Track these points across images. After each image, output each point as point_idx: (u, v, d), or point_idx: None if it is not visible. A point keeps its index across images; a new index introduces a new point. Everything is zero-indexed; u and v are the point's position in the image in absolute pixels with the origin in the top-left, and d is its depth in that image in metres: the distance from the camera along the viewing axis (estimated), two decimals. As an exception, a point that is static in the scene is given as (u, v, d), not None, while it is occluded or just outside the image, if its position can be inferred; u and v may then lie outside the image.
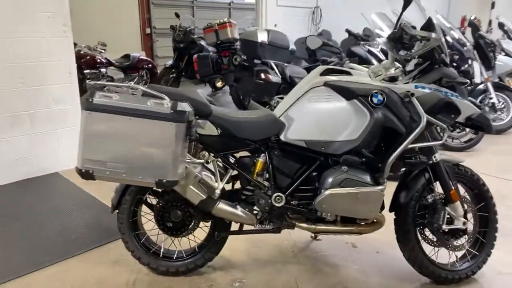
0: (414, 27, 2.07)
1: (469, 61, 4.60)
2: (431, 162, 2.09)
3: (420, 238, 2.22)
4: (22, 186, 3.53)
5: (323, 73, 2.09)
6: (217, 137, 2.07)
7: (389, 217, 2.21)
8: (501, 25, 6.05)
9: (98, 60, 6.35)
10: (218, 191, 2.06)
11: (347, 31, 5.12)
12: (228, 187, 2.26)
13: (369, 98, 1.96)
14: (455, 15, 9.21)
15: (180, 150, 1.84)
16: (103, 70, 6.43)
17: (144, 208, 2.29)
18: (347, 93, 2.00)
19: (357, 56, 4.18)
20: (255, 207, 2.15)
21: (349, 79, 2.05)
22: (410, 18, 2.31)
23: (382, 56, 4.31)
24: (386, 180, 2.01)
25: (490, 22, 8.32)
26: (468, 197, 2.29)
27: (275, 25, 6.83)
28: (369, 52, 4.25)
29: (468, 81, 1.93)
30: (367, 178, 2.00)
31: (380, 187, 1.98)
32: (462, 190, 2.25)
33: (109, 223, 2.75)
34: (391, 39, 2.03)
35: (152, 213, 2.23)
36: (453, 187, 2.13)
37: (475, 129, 2.25)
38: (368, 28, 5.42)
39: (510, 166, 4.20)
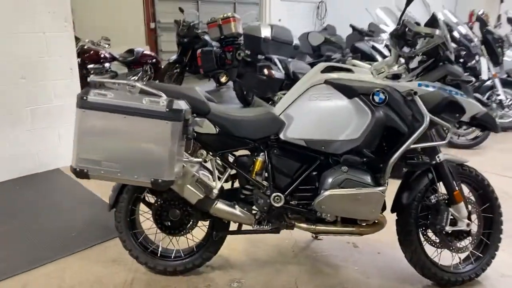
0: (418, 24, 2.01)
1: (476, 57, 4.51)
2: (434, 162, 2.04)
3: (422, 239, 2.18)
4: (23, 182, 3.52)
5: (324, 71, 2.04)
6: (216, 136, 2.04)
7: (392, 218, 2.17)
8: (510, 20, 5.93)
9: (102, 55, 6.32)
10: (215, 191, 2.03)
11: (351, 26, 5.04)
12: (228, 186, 2.22)
13: (371, 96, 1.91)
14: (463, 10, 9.07)
15: (176, 149, 1.80)
16: (107, 65, 6.40)
17: (143, 206, 2.26)
18: (348, 91, 1.95)
19: (361, 52, 4.11)
20: (254, 207, 2.12)
21: (351, 76, 2.00)
22: (415, 14, 2.25)
23: (386, 52, 4.25)
24: (387, 180, 1.96)
25: (499, 17, 8.17)
26: (472, 197, 2.23)
27: (279, 20, 6.78)
28: (374, 48, 4.17)
29: (473, 79, 1.87)
30: (368, 179, 1.96)
31: (380, 188, 1.93)
32: (466, 191, 2.20)
33: (108, 220, 2.71)
34: (394, 35, 1.97)
35: (150, 212, 2.20)
36: (457, 188, 2.08)
37: (481, 128, 2.19)
38: (373, 23, 5.33)
39: (517, 165, 4.13)
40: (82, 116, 1.77)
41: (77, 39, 5.97)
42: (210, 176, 2.07)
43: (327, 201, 1.95)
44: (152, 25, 8.52)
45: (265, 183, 2.09)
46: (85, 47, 6.23)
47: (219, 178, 2.10)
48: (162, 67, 6.98)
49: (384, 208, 2.09)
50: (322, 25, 7.34)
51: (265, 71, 4.30)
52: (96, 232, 2.70)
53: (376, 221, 2.10)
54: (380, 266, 2.39)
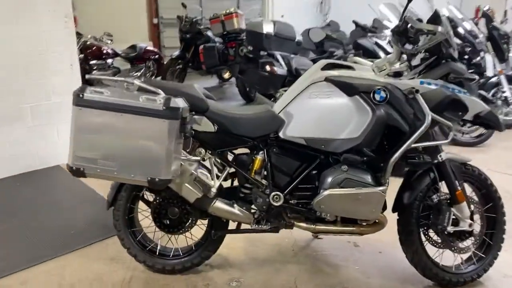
0: (420, 20, 1.98)
1: (481, 54, 4.45)
2: (436, 161, 2.01)
3: (424, 239, 2.15)
4: (23, 179, 3.51)
5: (325, 68, 2.01)
6: (214, 134, 2.01)
7: (393, 217, 2.14)
8: (516, 16, 5.85)
9: (104, 51, 6.30)
10: (214, 190, 2.00)
11: (354, 22, 4.99)
12: (228, 184, 2.20)
13: (372, 94, 1.87)
14: (469, 5, 8.97)
15: (173, 148, 1.78)
16: (109, 61, 6.38)
17: (142, 205, 2.24)
18: (348, 89, 1.91)
19: (363, 48, 4.07)
20: (253, 206, 2.09)
21: (351, 74, 1.97)
22: (418, 10, 2.21)
23: (389, 49, 4.19)
24: (388, 180, 1.93)
25: (505, 13, 8.08)
26: (475, 197, 2.20)
27: (282, 16, 6.73)
28: (376, 44, 4.13)
29: (477, 77, 1.83)
30: (368, 178, 1.93)
31: (381, 188, 1.90)
32: (469, 190, 2.16)
33: (108, 218, 2.66)
34: (396, 32, 1.93)
35: (149, 210, 2.19)
36: (459, 188, 2.05)
37: (484, 126, 2.16)
38: (377, 19, 5.28)
39: (521, 163, 4.08)
40: (78, 113, 1.76)
41: (79, 35, 5.97)
42: (209, 175, 2.04)
43: (326, 201, 1.92)
44: (155, 21, 8.49)
45: (264, 182, 2.07)
46: (88, 43, 6.21)
47: (217, 177, 2.07)
48: (165, 63, 6.95)
49: (384, 207, 2.06)
50: (326, 21, 7.28)
51: (267, 67, 4.26)
52: (96, 229, 2.69)
53: (377, 221, 2.07)
54: (381, 265, 2.37)
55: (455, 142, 4.49)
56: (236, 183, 2.20)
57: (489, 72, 4.61)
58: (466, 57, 4.42)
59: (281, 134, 2.01)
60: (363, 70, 2.02)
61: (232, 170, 2.13)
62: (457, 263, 2.21)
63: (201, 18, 6.87)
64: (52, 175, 3.59)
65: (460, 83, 1.96)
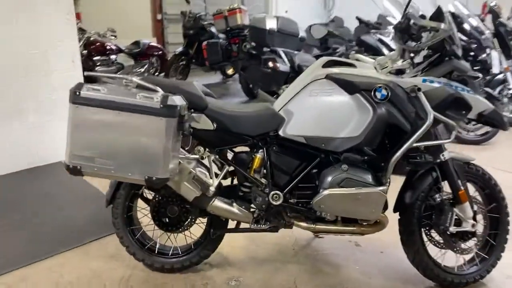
0: (423, 17, 1.93)
1: (487, 50, 4.39)
2: (438, 161, 1.97)
3: (425, 239, 2.12)
4: (24, 175, 3.51)
5: (326, 65, 1.97)
6: (213, 132, 1.98)
7: (394, 217, 2.11)
8: (524, 12, 5.75)
9: (108, 47, 6.28)
10: (212, 188, 1.98)
11: (358, 18, 4.93)
12: (228, 182, 2.18)
13: (373, 92, 1.84)
14: (476, 1, 8.85)
15: (171, 146, 1.76)
16: (113, 57, 6.37)
17: (141, 203, 2.23)
18: (349, 87, 1.88)
19: (366, 45, 4.02)
20: (252, 205, 2.07)
21: (353, 71, 1.93)
22: (421, 6, 2.17)
23: (393, 45, 4.13)
24: (389, 180, 1.90)
25: (512, 9, 7.96)
26: (478, 197, 2.16)
27: (286, 12, 6.67)
28: (380, 41, 4.08)
29: (481, 75, 1.79)
30: (369, 178, 1.89)
31: (381, 188, 1.87)
32: (472, 190, 2.13)
33: (109, 215, 2.69)
34: (398, 29, 1.90)
35: (148, 208, 2.17)
36: (462, 187, 2.01)
37: (488, 125, 2.12)
38: (382, 15, 5.22)
39: (527, 161, 4.02)
40: (75, 111, 1.74)
41: (83, 31, 5.96)
42: (207, 173, 2.02)
43: (326, 201, 1.89)
44: (159, 17, 8.45)
45: (263, 180, 2.04)
46: (91, 38, 6.20)
47: (216, 175, 2.05)
48: (168, 59, 6.93)
49: (386, 207, 2.03)
50: (330, 17, 7.21)
51: (270, 63, 4.23)
52: (96, 227, 2.68)
53: (378, 221, 2.04)
54: (382, 266, 2.34)
55: (460, 140, 4.44)
56: (236, 181, 2.17)
57: (495, 69, 4.54)
58: (471, 53, 4.36)
59: (281, 132, 1.98)
60: (365, 68, 1.99)
61: (232, 168, 2.10)
62: (460, 264, 2.18)
63: (205, 14, 6.83)
64: (54, 171, 3.58)
65: (463, 81, 1.92)
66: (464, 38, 4.38)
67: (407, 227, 2.08)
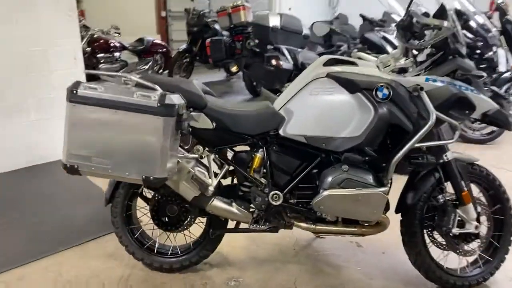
0: (427, 14, 1.89)
1: (494, 48, 4.30)
2: (441, 161, 1.93)
3: (428, 241, 2.09)
4: (24, 173, 3.50)
5: (327, 63, 1.94)
6: (212, 131, 1.96)
7: (397, 217, 2.08)
8: (531, 9, 5.66)
9: (112, 44, 6.27)
10: (211, 188, 1.96)
11: (362, 16, 4.88)
12: (228, 181, 2.15)
13: (374, 92, 1.80)
14: (484, -2, 8.73)
15: (169, 145, 1.74)
16: (116, 54, 6.36)
17: (140, 202, 2.21)
18: (350, 85, 1.85)
19: (370, 43, 3.97)
20: (252, 205, 2.05)
21: (354, 70, 1.90)
22: (426, 4, 2.13)
23: (397, 43, 4.08)
24: (390, 181, 1.87)
25: (520, 6, 7.85)
26: (482, 198, 2.12)
27: (290, 9, 6.62)
28: (384, 38, 4.03)
29: (485, 74, 1.74)
30: (369, 179, 1.86)
31: (382, 189, 1.84)
32: (476, 191, 2.09)
33: (109, 214, 2.68)
34: (401, 27, 1.86)
35: (148, 207, 2.15)
36: (465, 188, 1.97)
37: (492, 125, 2.07)
38: (387, 13, 5.16)
39: (533, 161, 3.96)
40: (72, 110, 1.72)
41: (87, 28, 5.96)
42: (206, 173, 2.00)
43: (326, 201, 1.86)
44: (163, 14, 8.44)
45: (263, 180, 2.02)
46: (95, 36, 6.19)
47: (216, 175, 2.03)
48: (172, 56, 6.91)
49: (387, 208, 2.00)
50: (334, 14, 7.15)
51: (273, 61, 4.19)
52: (95, 225, 2.66)
53: (379, 222, 2.00)
54: (383, 267, 2.31)
55: (465, 139, 4.39)
56: (236, 181, 2.15)
57: (502, 67, 4.46)
58: (478, 51, 4.28)
59: (281, 132, 1.95)
60: (367, 66, 1.95)
61: (232, 168, 2.08)
62: (462, 266, 2.15)
63: (209, 11, 6.81)
64: (55, 169, 3.57)
65: (467, 80, 1.87)
66: (470, 35, 4.30)
67: (409, 228, 2.04)
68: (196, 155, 1.99)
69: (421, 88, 1.79)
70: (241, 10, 5.65)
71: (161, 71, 6.79)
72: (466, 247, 2.05)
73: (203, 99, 1.93)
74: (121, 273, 2.24)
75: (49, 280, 2.18)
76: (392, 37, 4.15)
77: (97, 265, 2.30)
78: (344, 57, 1.99)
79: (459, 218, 1.98)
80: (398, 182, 2.03)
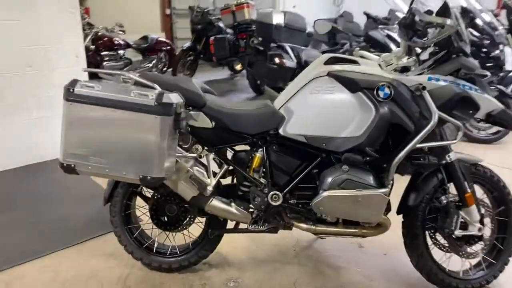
0: (430, 12, 1.85)
1: (501, 46, 4.24)
2: (444, 162, 1.90)
3: (430, 243, 2.05)
4: (25, 172, 3.50)
5: (328, 62, 1.91)
6: (211, 130, 1.93)
7: (399, 218, 2.04)
8: (539, 7, 5.58)
9: (116, 42, 6.27)
10: (210, 188, 1.94)
11: (365, 13, 4.83)
12: (228, 181, 2.13)
13: (375, 91, 1.77)
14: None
15: (166, 145, 1.72)
16: (121, 52, 6.36)
17: (139, 201, 2.20)
18: (351, 84, 1.81)
19: (374, 41, 3.92)
20: (251, 205, 2.02)
21: (356, 69, 1.86)
22: (430, 1, 2.09)
23: (400, 42, 4.02)
24: (391, 182, 1.83)
25: (528, 3, 7.74)
26: (486, 200, 2.08)
27: (294, 7, 6.58)
28: (388, 36, 3.98)
29: (489, 73, 1.70)
30: (370, 180, 1.83)
31: (383, 190, 1.80)
32: (480, 192, 2.05)
33: (108, 213, 2.69)
34: (403, 25, 1.82)
35: (147, 206, 2.14)
36: (468, 190, 1.93)
37: (497, 125, 2.03)
38: (393, 10, 5.10)
39: (540, 161, 3.90)
40: (69, 108, 1.71)
41: (91, 26, 5.96)
42: (205, 173, 1.98)
43: (325, 202, 1.83)
44: (168, 11, 8.43)
45: (262, 180, 1.99)
46: (99, 33, 6.19)
47: (215, 174, 2.01)
48: (177, 54, 6.89)
49: (389, 209, 1.97)
50: (339, 12, 7.09)
51: (276, 59, 4.16)
52: (95, 224, 2.65)
53: (380, 223, 1.97)
54: (385, 268, 2.28)
55: (471, 139, 4.34)
56: (236, 180, 2.13)
57: (509, 66, 4.40)
58: (484, 50, 4.22)
59: (281, 131, 1.92)
60: (369, 65, 1.92)
61: (232, 167, 2.06)
62: (465, 269, 2.11)
63: (214, 8, 6.78)
64: (54, 168, 3.56)
65: (471, 79, 1.83)
66: (477, 34, 4.25)
67: (411, 230, 2.01)
68: (195, 155, 1.97)
69: (423, 88, 1.76)
70: (245, 7, 5.61)
71: (165, 69, 6.78)
72: (469, 250, 2.01)
73: (202, 98, 1.91)
74: (120, 272, 2.22)
75: (48, 279, 2.17)
76: (396, 35, 4.10)
77: (96, 265, 2.29)
78: (346, 56, 1.96)
79: (462, 220, 1.95)
80: (400, 184, 1.99)
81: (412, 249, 2.04)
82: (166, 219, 2.09)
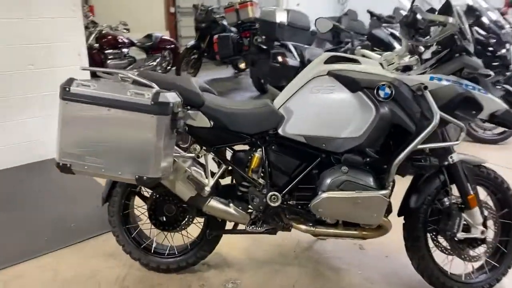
0: (432, 10, 1.82)
1: (507, 45, 4.18)
2: (446, 163, 1.86)
3: (432, 245, 2.01)
4: (27, 169, 3.50)
5: (328, 61, 1.88)
6: (210, 130, 1.91)
7: (401, 219, 2.01)
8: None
9: (120, 40, 6.26)
10: (207, 188, 1.92)
11: (369, 12, 4.78)
12: (227, 181, 2.11)
13: (375, 90, 1.74)
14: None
15: (163, 145, 1.69)
16: (125, 50, 6.35)
17: (139, 200, 2.18)
18: (351, 84, 1.78)
19: (378, 39, 3.88)
20: (250, 206, 2.00)
21: (356, 68, 1.83)
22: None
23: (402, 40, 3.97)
24: (391, 183, 1.80)
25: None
26: (490, 202, 2.04)
27: (298, 5, 6.53)
28: (392, 35, 3.93)
29: (493, 73, 1.66)
30: (370, 181, 1.79)
31: (383, 192, 1.77)
32: (483, 194, 2.01)
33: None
34: (404, 23, 1.78)
35: (145, 206, 2.12)
36: (471, 192, 1.89)
37: (500, 126, 1.99)
38: (398, 9, 5.04)
39: (546, 162, 3.84)
40: (65, 107, 1.69)
41: (95, 24, 5.96)
42: (203, 173, 1.95)
43: (324, 204, 1.80)
44: (172, 10, 8.41)
45: (261, 181, 1.97)
46: (103, 32, 6.19)
47: (213, 175, 1.99)
48: (181, 52, 6.88)
49: (390, 211, 1.94)
50: (343, 10, 7.04)
51: (279, 58, 4.13)
52: (95, 224, 2.64)
53: (380, 225, 1.94)
54: (386, 271, 2.25)
55: (476, 139, 4.28)
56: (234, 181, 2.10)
57: (515, 65, 4.34)
58: (490, 49, 4.16)
59: (280, 131, 1.90)
60: (370, 64, 1.88)
61: (230, 167, 2.03)
62: (468, 272, 2.07)
63: (218, 7, 6.76)
64: (55, 167, 3.56)
65: (475, 79, 1.79)
66: (483, 32, 4.19)
67: (412, 232, 1.98)
68: (193, 154, 1.95)
69: (425, 87, 1.72)
70: (249, 6, 5.58)
71: (169, 67, 6.77)
72: (471, 252, 1.97)
73: (200, 97, 1.89)
74: (118, 272, 2.21)
75: (46, 278, 2.17)
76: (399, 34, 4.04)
77: (95, 264, 2.28)
78: (347, 55, 1.92)
79: (464, 222, 1.91)
80: (401, 185, 1.96)
81: (414, 252, 2.00)
82: (164, 219, 2.08)
